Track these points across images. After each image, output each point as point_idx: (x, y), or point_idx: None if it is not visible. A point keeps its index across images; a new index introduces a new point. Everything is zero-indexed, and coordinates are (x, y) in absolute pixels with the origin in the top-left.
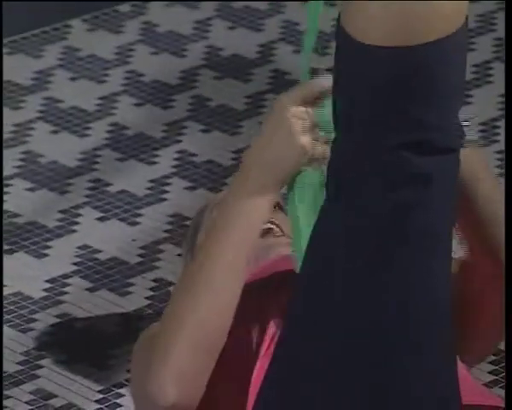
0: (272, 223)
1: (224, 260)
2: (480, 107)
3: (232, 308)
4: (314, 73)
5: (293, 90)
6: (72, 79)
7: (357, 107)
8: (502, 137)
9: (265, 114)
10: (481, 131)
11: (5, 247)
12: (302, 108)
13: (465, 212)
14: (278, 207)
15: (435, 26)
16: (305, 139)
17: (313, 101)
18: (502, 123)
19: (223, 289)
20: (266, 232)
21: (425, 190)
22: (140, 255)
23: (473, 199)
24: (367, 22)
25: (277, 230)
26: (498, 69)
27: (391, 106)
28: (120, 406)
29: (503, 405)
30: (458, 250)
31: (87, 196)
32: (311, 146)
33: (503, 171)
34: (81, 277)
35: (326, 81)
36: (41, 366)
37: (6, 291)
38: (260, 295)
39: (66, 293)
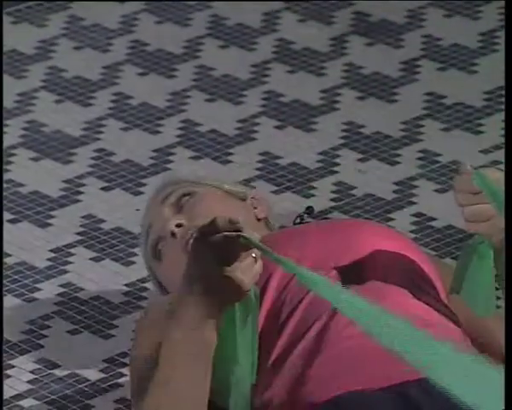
0: None
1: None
2: (486, 76)
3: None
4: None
5: (227, 249)
6: (77, 48)
7: None
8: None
9: (195, 262)
10: (486, 100)
11: (9, 216)
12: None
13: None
14: None
15: None
16: (250, 281)
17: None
18: None
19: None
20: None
21: None
22: None
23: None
24: None
25: None
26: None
27: None
28: (124, 375)
29: None
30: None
31: (91, 166)
32: (254, 281)
33: None
34: (85, 246)
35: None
36: (45, 336)
37: (10, 261)
38: None
39: (70, 263)
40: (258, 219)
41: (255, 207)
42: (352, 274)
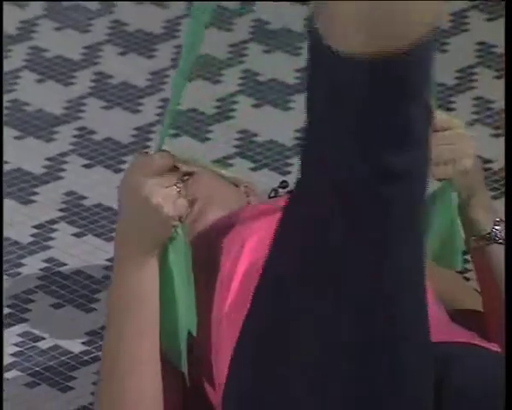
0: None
1: (138, 333)
2: (457, 54)
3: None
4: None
5: (145, 163)
6: (58, 28)
7: (330, 117)
8: (477, 84)
9: (122, 187)
10: (458, 78)
11: None
12: (158, 181)
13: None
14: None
15: (413, 29)
16: (170, 209)
17: (163, 172)
18: (477, 70)
19: (146, 361)
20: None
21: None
22: None
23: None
24: (342, 27)
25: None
26: (475, 17)
27: (370, 118)
28: None
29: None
30: None
31: (73, 144)
32: (175, 213)
33: (479, 117)
34: (67, 222)
35: (171, 156)
36: (29, 310)
37: None
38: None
39: (53, 238)
40: None
41: (247, 196)
42: None
